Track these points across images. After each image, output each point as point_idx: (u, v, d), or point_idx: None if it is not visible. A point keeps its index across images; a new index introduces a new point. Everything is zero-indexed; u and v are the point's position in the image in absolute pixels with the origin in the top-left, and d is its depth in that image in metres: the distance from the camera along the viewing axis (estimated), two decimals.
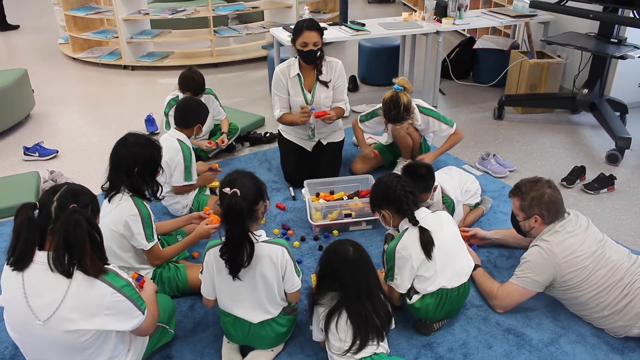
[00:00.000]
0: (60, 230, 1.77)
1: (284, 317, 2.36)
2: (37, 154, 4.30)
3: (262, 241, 2.22)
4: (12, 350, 2.46)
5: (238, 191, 2.10)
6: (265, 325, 2.32)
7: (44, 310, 1.81)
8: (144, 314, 1.99)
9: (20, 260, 1.83)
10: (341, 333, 2.16)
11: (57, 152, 4.37)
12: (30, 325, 1.84)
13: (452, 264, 2.44)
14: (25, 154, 4.31)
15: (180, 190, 3.31)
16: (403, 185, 2.47)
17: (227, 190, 2.11)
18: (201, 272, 2.33)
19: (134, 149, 2.50)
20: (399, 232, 2.50)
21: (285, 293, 2.32)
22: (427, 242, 2.37)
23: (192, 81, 3.83)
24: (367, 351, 2.17)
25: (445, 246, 2.42)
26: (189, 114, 3.31)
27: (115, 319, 1.90)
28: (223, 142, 4.00)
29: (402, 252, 2.39)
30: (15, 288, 1.84)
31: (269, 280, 2.23)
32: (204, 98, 3.91)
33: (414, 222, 2.43)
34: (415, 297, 2.46)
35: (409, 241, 2.40)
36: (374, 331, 2.18)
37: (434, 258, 2.38)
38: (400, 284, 2.44)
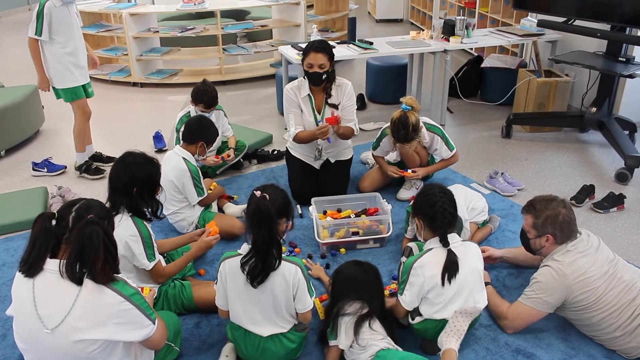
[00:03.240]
0: (77, 238, 1.78)
1: (294, 334, 2.34)
2: (45, 170, 4.32)
3: None
4: None
5: (267, 195, 2.16)
6: (275, 339, 2.30)
7: (53, 318, 1.81)
8: (154, 323, 1.96)
9: (32, 266, 1.84)
10: (376, 328, 2.30)
11: (66, 167, 4.39)
12: (38, 334, 1.83)
13: (462, 299, 2.38)
14: (34, 169, 4.33)
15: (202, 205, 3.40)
16: (444, 203, 2.43)
17: (257, 193, 2.18)
18: (215, 283, 2.34)
19: (131, 168, 2.48)
20: (420, 247, 2.54)
21: (296, 312, 2.32)
22: (451, 267, 2.34)
23: (205, 94, 3.86)
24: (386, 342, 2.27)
25: (462, 279, 2.37)
26: (197, 130, 3.32)
27: (124, 328, 1.87)
28: (229, 156, 4.01)
29: (418, 270, 2.37)
30: (25, 296, 1.84)
31: (278, 297, 2.23)
32: (213, 114, 3.94)
33: (445, 242, 2.39)
34: (417, 319, 2.44)
35: (428, 261, 2.38)
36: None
37: (447, 287, 2.35)
38: (409, 301, 2.42)
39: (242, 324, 2.30)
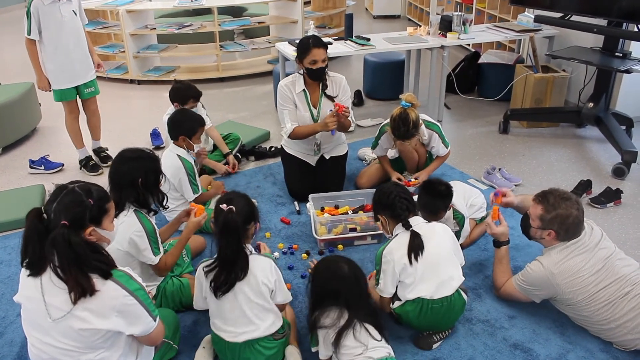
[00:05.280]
0: (51, 247, 1.79)
1: (272, 341, 2.31)
2: (42, 167, 4.32)
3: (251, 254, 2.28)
4: None
5: (234, 208, 2.19)
6: (252, 347, 2.27)
7: (58, 309, 1.82)
8: (155, 320, 1.97)
9: (34, 266, 1.84)
10: (362, 339, 2.18)
11: (63, 165, 4.39)
12: (42, 321, 1.85)
13: (434, 275, 2.42)
14: (31, 167, 4.32)
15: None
16: (398, 192, 2.56)
17: (223, 206, 2.20)
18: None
19: (133, 162, 2.51)
20: None
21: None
22: (415, 246, 2.42)
23: (189, 89, 3.93)
24: (381, 352, 2.18)
25: (430, 256, 2.42)
26: (174, 126, 3.32)
27: (126, 322, 1.88)
28: (234, 167, 4.17)
29: (387, 256, 2.45)
30: (33, 285, 1.85)
31: (258, 291, 2.23)
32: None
33: (407, 226, 2.48)
34: (397, 303, 2.49)
35: (395, 246, 2.46)
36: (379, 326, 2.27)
37: (415, 266, 2.40)
38: (384, 289, 2.49)
39: (217, 330, 2.30)
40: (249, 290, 2.22)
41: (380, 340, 2.22)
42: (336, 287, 2.23)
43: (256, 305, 2.24)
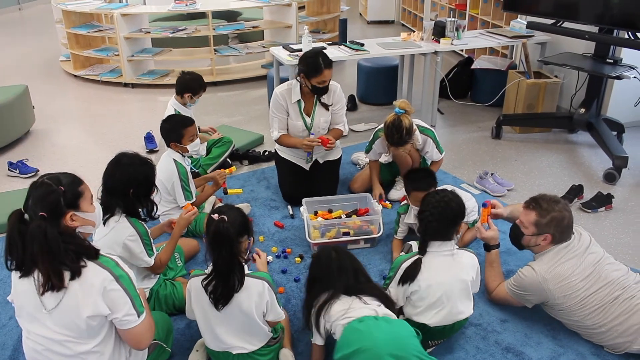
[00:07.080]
0: (31, 241, 1.79)
1: (266, 348, 2.31)
2: (17, 171, 4.28)
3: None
4: None
5: (225, 217, 2.13)
6: (245, 357, 2.28)
7: (51, 299, 1.83)
8: (139, 314, 1.94)
9: (21, 267, 1.85)
10: (341, 305, 2.19)
11: (38, 170, 4.31)
12: (39, 313, 1.86)
13: (446, 305, 2.41)
14: (9, 169, 4.32)
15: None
16: (432, 213, 2.43)
17: (215, 216, 2.14)
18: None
19: (128, 169, 2.45)
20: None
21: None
22: (409, 273, 2.40)
23: (198, 80, 4.01)
24: (371, 308, 2.17)
25: (446, 288, 2.40)
26: (165, 135, 3.29)
27: (111, 307, 1.87)
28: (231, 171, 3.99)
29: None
30: (26, 282, 1.86)
31: (251, 314, 2.20)
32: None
33: (421, 251, 2.46)
34: (400, 317, 2.48)
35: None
36: (376, 295, 2.27)
37: (428, 291, 2.38)
38: (394, 299, 2.46)
39: (209, 345, 2.30)
40: (240, 313, 2.20)
41: (380, 307, 2.21)
42: (324, 270, 2.27)
43: (247, 326, 2.23)
